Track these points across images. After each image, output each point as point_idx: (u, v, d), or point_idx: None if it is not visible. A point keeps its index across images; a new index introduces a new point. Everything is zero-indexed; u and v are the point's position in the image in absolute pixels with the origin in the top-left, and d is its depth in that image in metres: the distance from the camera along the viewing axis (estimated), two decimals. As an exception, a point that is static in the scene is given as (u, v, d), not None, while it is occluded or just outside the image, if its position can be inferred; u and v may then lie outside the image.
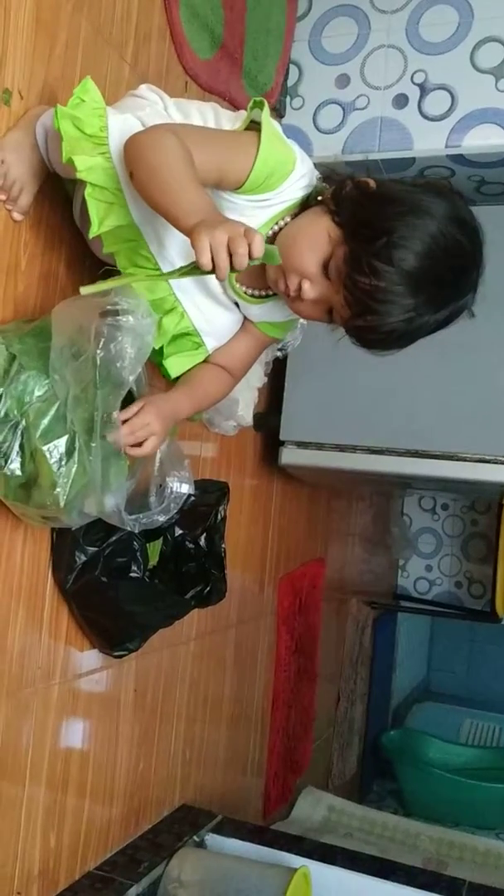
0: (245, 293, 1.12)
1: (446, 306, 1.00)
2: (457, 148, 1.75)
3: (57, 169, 1.08)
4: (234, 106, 1.65)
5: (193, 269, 0.86)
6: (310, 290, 1.02)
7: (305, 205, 1.06)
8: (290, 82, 1.89)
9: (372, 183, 1.01)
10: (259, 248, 0.82)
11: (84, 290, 0.91)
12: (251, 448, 1.88)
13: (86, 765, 1.32)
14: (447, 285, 0.98)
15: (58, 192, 1.15)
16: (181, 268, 0.90)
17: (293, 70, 1.89)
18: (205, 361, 1.15)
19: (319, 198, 1.04)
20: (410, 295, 0.95)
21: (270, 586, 2.06)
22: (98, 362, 0.93)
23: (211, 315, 1.11)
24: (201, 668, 1.70)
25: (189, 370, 1.14)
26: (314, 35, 1.88)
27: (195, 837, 1.52)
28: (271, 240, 1.06)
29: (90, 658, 1.31)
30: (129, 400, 1.02)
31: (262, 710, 2.07)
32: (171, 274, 0.96)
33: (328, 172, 1.08)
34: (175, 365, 1.15)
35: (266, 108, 1.01)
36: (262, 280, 1.11)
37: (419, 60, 1.79)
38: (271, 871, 1.39)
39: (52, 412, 0.97)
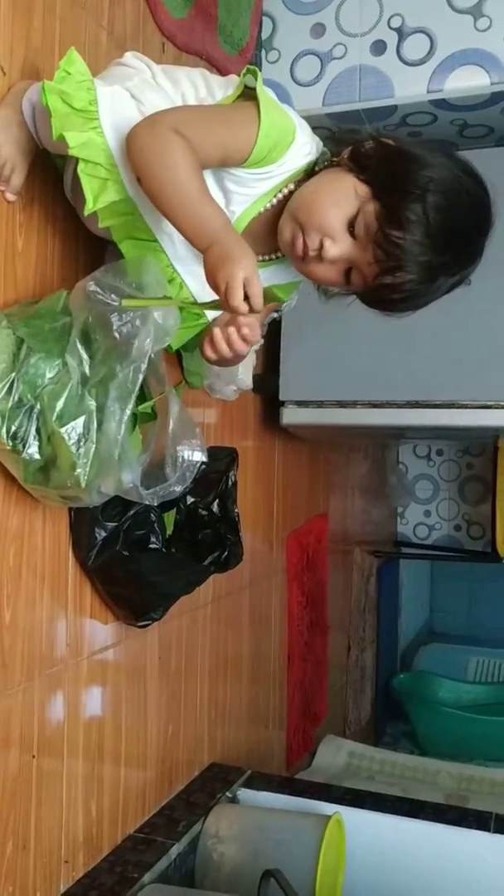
0: None
1: (464, 267, 1.02)
2: (438, 92, 1.73)
3: (46, 145, 1.06)
4: (212, 63, 1.62)
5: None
6: (332, 248, 1.00)
7: (311, 171, 1.05)
8: (264, 35, 1.85)
9: (391, 142, 1.01)
10: (257, 302, 0.87)
11: (126, 303, 0.92)
12: (252, 411, 1.89)
13: (118, 733, 1.35)
14: (471, 243, 1.00)
15: (48, 167, 1.13)
16: (213, 301, 0.95)
17: (266, 22, 1.85)
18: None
19: (335, 159, 1.03)
20: (440, 251, 0.97)
21: (279, 545, 2.09)
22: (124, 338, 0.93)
23: None
24: (219, 631, 1.73)
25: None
26: (285, -16, 1.84)
27: (228, 794, 1.56)
28: (278, 207, 1.06)
29: (114, 630, 1.34)
30: (142, 397, 1.03)
31: (279, 665, 2.11)
32: (204, 305, 1.01)
33: (343, 135, 1.07)
34: (177, 336, 1.15)
35: (260, 77, 0.99)
36: (265, 245, 1.10)
37: (395, 4, 1.76)
38: (306, 820, 1.43)
39: (66, 393, 0.97)
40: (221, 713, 1.75)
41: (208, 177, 1.01)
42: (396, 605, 3.46)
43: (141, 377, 0.94)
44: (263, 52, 1.85)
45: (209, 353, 0.97)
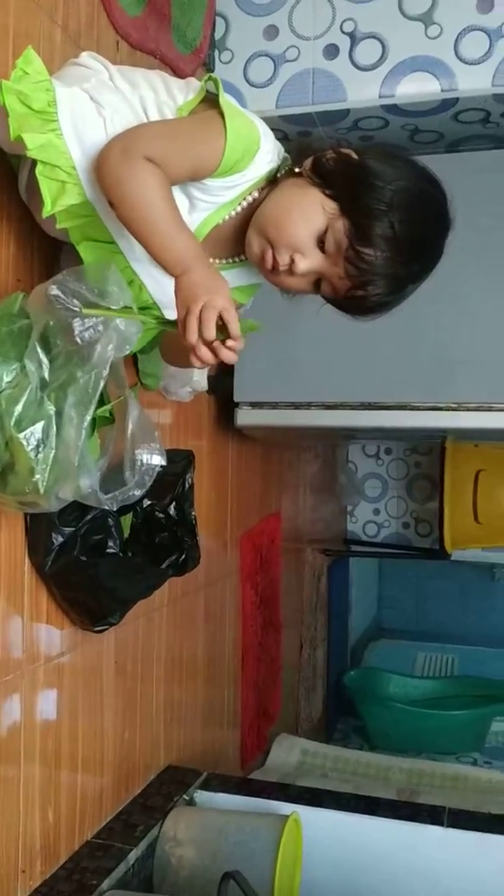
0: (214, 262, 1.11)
1: (429, 271, 1.05)
2: (390, 98, 1.75)
3: (2, 144, 1.04)
4: (165, 63, 1.61)
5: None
6: (302, 263, 1.01)
7: (273, 179, 1.05)
8: (217, 35, 1.85)
9: (353, 155, 1.01)
10: (234, 329, 0.91)
11: (87, 311, 0.92)
12: (206, 412, 1.89)
13: (75, 739, 1.34)
14: (436, 252, 1.03)
15: (1, 166, 1.11)
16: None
17: (220, 22, 1.85)
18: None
19: (297, 170, 1.03)
20: (408, 262, 1.00)
21: (233, 545, 2.09)
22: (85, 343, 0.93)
23: (169, 287, 1.09)
24: (175, 633, 1.72)
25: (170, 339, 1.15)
26: (238, -15, 1.84)
27: (185, 796, 1.56)
28: (241, 214, 1.06)
29: (71, 635, 1.32)
30: (100, 400, 1.02)
31: (234, 665, 2.11)
32: (166, 324, 1.04)
33: (303, 144, 1.07)
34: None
35: (221, 86, 0.99)
36: (228, 249, 1.10)
37: (347, 9, 1.77)
38: (264, 821, 1.44)
39: (24, 398, 0.95)
40: (177, 715, 1.75)
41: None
42: (347, 602, 3.50)
43: (102, 383, 0.93)
44: (216, 52, 1.85)
45: (196, 363, 0.97)
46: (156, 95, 1.02)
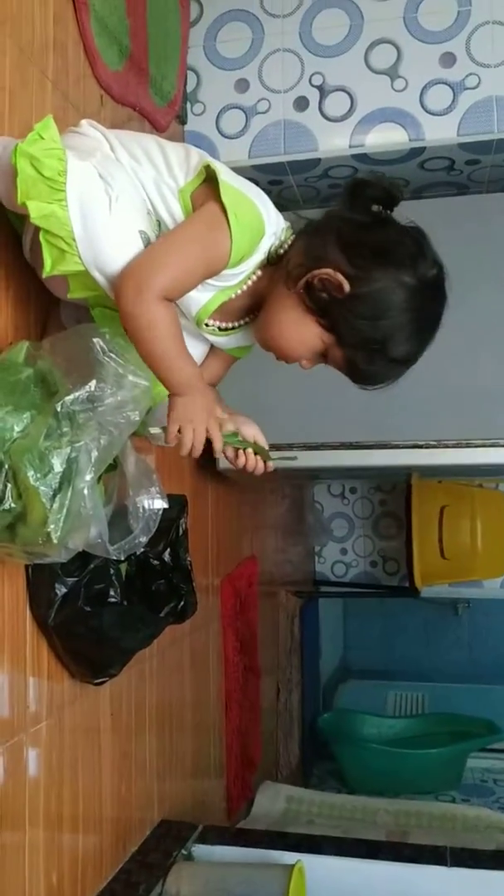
0: (217, 328, 1.15)
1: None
2: (360, 147, 1.81)
3: (5, 202, 1.04)
4: (143, 115, 1.64)
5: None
6: (308, 366, 1.13)
7: (272, 259, 1.09)
8: (188, 88, 1.89)
9: (345, 285, 1.01)
10: (218, 447, 1.13)
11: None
12: (187, 456, 1.88)
13: (76, 797, 1.30)
14: (428, 343, 1.09)
15: (3, 226, 1.11)
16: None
17: (191, 76, 1.89)
18: None
19: (301, 290, 1.05)
20: (404, 365, 1.09)
21: (213, 591, 2.07)
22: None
23: None
24: (164, 682, 1.69)
25: None
26: (208, 40, 1.89)
27: (183, 851, 1.52)
28: (246, 292, 1.11)
29: (70, 689, 1.29)
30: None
31: (218, 713, 2.08)
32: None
33: (298, 224, 1.11)
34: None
35: (220, 175, 1.01)
36: (232, 316, 1.15)
37: (315, 63, 1.84)
38: (268, 872, 1.41)
39: (38, 447, 0.94)
40: (168, 767, 1.71)
41: None
42: (318, 644, 3.48)
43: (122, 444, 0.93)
44: (189, 104, 1.89)
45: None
46: (157, 174, 1.04)
